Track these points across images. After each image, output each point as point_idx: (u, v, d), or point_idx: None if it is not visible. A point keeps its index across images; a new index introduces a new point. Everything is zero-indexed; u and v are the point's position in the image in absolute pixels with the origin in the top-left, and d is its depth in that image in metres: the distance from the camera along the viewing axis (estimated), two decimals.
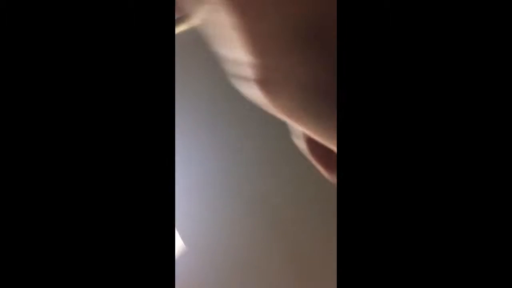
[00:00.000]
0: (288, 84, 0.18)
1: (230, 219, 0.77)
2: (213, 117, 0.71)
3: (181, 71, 0.73)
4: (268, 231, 0.77)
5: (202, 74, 0.72)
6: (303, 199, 0.76)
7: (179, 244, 0.77)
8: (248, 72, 0.18)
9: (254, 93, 0.18)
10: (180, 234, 0.77)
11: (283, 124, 0.22)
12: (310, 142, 0.21)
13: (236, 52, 0.18)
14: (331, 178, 0.22)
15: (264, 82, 0.18)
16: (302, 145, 0.22)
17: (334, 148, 0.19)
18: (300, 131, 0.21)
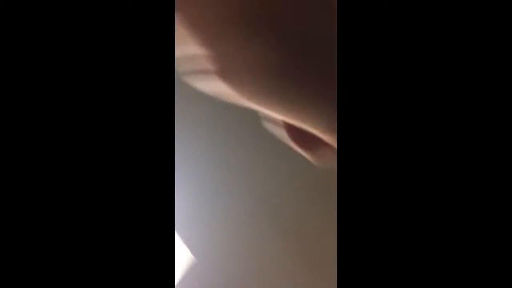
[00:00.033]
0: (251, 70, 0.17)
1: (236, 222, 0.77)
2: (213, 117, 0.71)
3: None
4: (274, 231, 0.77)
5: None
6: (304, 198, 0.76)
7: (188, 256, 0.77)
8: (206, 64, 0.17)
9: (218, 86, 0.18)
10: (185, 241, 0.77)
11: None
12: (289, 128, 0.21)
13: (190, 49, 0.17)
14: (316, 162, 0.22)
15: (224, 72, 0.17)
16: (281, 133, 0.21)
17: (313, 130, 0.19)
18: (276, 118, 0.21)
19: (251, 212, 0.77)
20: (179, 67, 0.19)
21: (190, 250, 0.77)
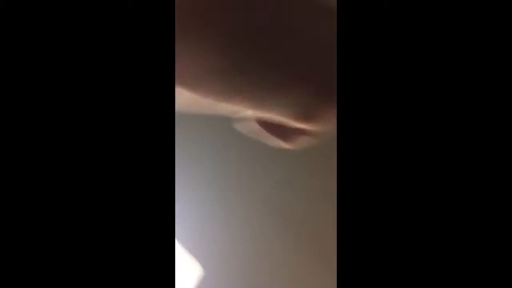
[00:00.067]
0: (205, 74, 0.17)
1: (238, 224, 0.77)
2: (213, 120, 0.71)
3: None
4: (276, 231, 0.77)
5: None
6: (305, 197, 0.76)
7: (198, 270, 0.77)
8: None
9: (178, 92, 0.18)
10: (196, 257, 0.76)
11: None
12: (262, 124, 0.21)
13: None
14: (289, 145, 0.22)
15: (181, 79, 0.17)
16: (255, 130, 0.22)
17: (282, 119, 0.20)
18: (247, 117, 0.21)
19: (253, 215, 0.77)
20: None
21: (206, 275, 0.77)
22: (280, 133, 0.21)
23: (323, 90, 0.19)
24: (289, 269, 0.78)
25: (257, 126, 0.21)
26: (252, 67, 0.18)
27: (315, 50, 0.19)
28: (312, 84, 0.19)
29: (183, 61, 0.17)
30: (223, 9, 0.17)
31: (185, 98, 0.19)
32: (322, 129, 0.20)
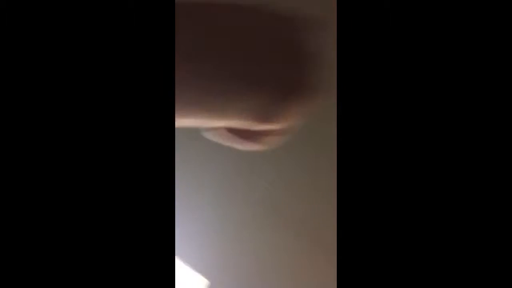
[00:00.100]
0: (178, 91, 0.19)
1: (237, 226, 0.77)
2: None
3: None
4: (277, 231, 0.77)
5: None
6: (304, 198, 0.76)
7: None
8: None
9: None
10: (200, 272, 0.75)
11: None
12: (230, 131, 0.23)
13: None
14: (259, 146, 0.24)
15: None
16: (219, 135, 0.23)
17: (245, 124, 0.21)
18: (216, 126, 0.22)
19: (249, 217, 0.77)
20: None
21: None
22: (249, 137, 0.23)
23: (277, 90, 0.20)
24: (289, 269, 0.78)
25: (226, 133, 0.23)
26: (202, 80, 0.19)
27: (265, 56, 0.20)
28: (265, 88, 0.20)
29: None
30: (180, 26, 0.18)
31: None
32: (286, 126, 0.22)
